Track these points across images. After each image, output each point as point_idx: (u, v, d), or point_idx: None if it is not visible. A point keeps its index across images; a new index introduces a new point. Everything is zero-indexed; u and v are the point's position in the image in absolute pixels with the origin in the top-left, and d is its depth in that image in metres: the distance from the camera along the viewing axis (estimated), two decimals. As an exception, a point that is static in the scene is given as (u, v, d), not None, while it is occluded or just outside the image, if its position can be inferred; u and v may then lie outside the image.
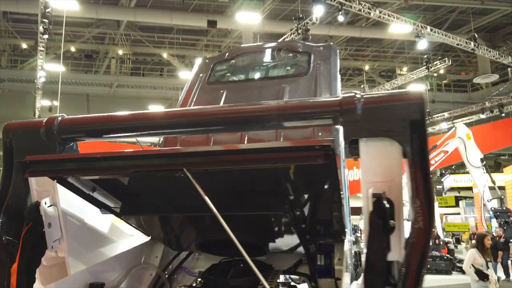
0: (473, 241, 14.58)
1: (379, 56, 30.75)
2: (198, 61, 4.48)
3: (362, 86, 27.55)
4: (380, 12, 17.53)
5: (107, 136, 2.61)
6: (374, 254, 1.84)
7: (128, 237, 3.33)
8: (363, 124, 1.86)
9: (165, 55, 28.40)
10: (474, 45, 19.66)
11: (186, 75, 24.17)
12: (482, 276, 8.21)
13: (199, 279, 2.84)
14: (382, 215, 1.83)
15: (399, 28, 19.39)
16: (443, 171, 35.34)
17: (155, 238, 3.22)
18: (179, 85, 24.41)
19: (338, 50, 3.61)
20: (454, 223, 34.33)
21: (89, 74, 27.56)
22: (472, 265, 8.35)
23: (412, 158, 1.82)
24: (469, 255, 8.68)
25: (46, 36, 16.11)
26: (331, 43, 3.14)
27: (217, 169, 1.94)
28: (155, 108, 20.72)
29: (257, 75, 4.24)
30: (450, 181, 31.86)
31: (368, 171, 1.93)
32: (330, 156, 1.72)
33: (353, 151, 1.94)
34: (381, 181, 1.88)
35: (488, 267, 8.69)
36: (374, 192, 1.86)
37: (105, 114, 2.53)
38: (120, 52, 28.43)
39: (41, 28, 15.84)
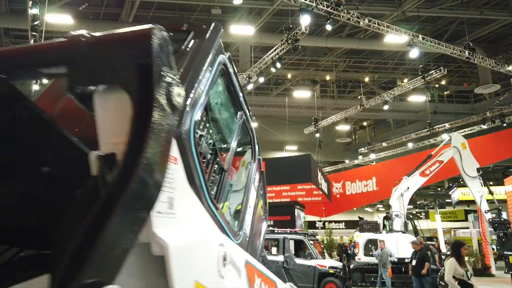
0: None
1: (379, 68, 30.60)
2: None
3: (359, 97, 27.35)
4: (369, 21, 17.43)
5: None
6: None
7: None
8: (88, 70, 1.52)
9: (164, 69, 28.62)
10: (469, 54, 19.39)
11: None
12: (466, 287, 7.69)
13: None
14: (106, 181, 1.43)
15: (393, 38, 19.28)
16: (451, 184, 34.52)
17: None
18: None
19: (221, 29, 3.29)
20: (463, 237, 33.81)
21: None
22: (453, 276, 7.73)
23: (136, 110, 1.45)
24: (449, 265, 7.95)
25: (36, 49, 16.36)
26: (215, 22, 2.87)
27: None
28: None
29: None
30: (457, 193, 31.21)
31: (102, 130, 1.55)
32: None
33: (86, 106, 1.60)
34: (117, 142, 1.47)
35: (468, 278, 8.22)
36: (100, 154, 1.47)
37: None
38: (120, 66, 28.76)
39: (31, 42, 16.13)
